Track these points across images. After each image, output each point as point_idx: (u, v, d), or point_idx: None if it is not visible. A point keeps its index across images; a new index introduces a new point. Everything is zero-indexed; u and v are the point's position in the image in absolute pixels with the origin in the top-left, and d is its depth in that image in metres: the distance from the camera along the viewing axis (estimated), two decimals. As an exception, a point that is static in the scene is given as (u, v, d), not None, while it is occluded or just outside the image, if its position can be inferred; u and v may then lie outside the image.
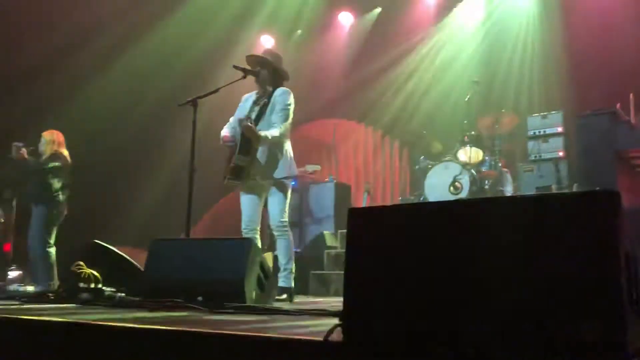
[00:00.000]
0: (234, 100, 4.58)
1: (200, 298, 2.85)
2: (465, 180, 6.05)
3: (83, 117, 8.85)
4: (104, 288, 3.18)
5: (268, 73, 4.16)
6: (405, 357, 1.28)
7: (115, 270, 3.51)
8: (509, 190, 6.20)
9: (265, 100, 4.10)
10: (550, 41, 7.20)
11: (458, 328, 1.24)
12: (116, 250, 3.88)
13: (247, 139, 3.91)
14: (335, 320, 1.44)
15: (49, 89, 8.20)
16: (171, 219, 7.04)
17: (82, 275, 3.21)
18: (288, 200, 4.09)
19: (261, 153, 3.99)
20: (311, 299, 4.82)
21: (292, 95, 4.12)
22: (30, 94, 7.96)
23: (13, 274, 6.07)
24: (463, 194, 6.00)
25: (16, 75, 7.76)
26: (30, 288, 5.25)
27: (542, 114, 6.32)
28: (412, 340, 1.29)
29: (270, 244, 6.66)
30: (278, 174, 4.00)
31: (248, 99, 4.29)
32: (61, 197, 5.55)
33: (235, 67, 4.18)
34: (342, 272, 1.46)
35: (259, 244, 4.08)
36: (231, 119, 4.26)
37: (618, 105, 5.94)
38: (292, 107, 4.10)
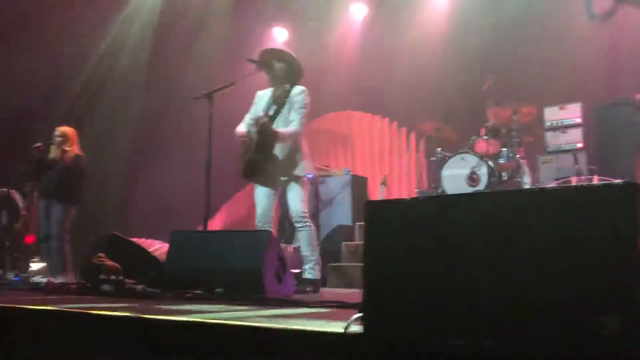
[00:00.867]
0: (251, 94, 4.60)
1: (219, 290, 2.88)
2: (482, 172, 6.01)
3: (100, 111, 8.97)
4: (124, 280, 3.23)
5: (282, 67, 4.16)
6: (425, 349, 1.29)
7: (134, 262, 3.56)
8: (527, 182, 6.15)
9: (283, 98, 4.11)
10: (567, 30, 7.10)
11: (479, 321, 1.25)
12: (135, 242, 3.93)
13: (263, 136, 3.94)
14: (355, 312, 1.45)
15: (63, 82, 8.30)
16: (188, 211, 7.11)
17: (103, 267, 3.25)
18: (307, 191, 4.11)
19: (278, 150, 4.01)
20: (329, 291, 4.84)
21: (309, 96, 4.14)
22: (42, 87, 8.06)
23: (36, 265, 6.18)
24: (480, 186, 5.96)
25: (30, 69, 7.85)
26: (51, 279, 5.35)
27: (560, 105, 6.25)
28: (431, 333, 1.30)
29: (288, 236, 6.70)
30: (297, 171, 4.03)
31: (263, 96, 4.29)
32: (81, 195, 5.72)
33: (249, 60, 4.20)
34: (361, 264, 1.47)
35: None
36: (246, 116, 4.27)
37: (638, 96, 5.86)
38: (309, 108, 4.14)
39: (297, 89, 4.13)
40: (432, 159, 6.76)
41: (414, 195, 7.56)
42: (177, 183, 8.73)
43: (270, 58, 4.19)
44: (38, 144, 5.67)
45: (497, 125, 6.40)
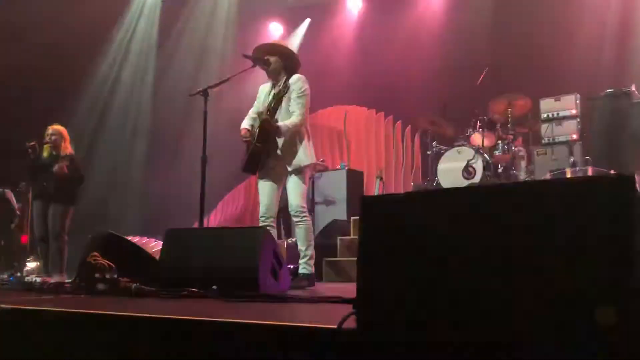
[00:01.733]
0: (247, 90, 4.59)
1: (215, 287, 2.87)
2: (478, 165, 6.01)
3: (95, 108, 8.93)
4: (119, 278, 3.21)
5: (277, 61, 4.15)
6: (419, 345, 1.28)
7: (130, 260, 3.54)
8: (522, 175, 6.16)
9: (282, 89, 4.10)
10: (562, 21, 7.09)
11: (474, 317, 1.24)
12: (130, 240, 3.91)
13: (265, 131, 3.96)
14: (349, 308, 1.44)
15: (58, 80, 8.26)
16: (184, 209, 7.09)
17: (98, 266, 3.24)
18: (306, 187, 4.11)
19: (281, 142, 4.02)
20: (324, 285, 4.84)
21: (307, 82, 4.13)
22: (38, 85, 8.02)
23: (30, 265, 6.17)
24: (476, 179, 5.96)
25: (28, 66, 7.81)
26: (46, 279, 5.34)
27: (555, 96, 6.25)
28: (426, 329, 1.29)
29: (283, 231, 6.70)
30: (297, 162, 4.02)
31: (264, 89, 4.30)
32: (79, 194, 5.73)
33: (244, 55, 4.20)
34: (355, 259, 1.46)
35: (275, 232, 4.11)
36: (250, 111, 4.28)
37: (633, 87, 5.86)
38: (308, 94, 4.11)
39: (294, 77, 4.12)
40: (428, 152, 6.76)
41: (409, 189, 7.57)
42: (173, 181, 8.72)
43: (264, 53, 4.18)
44: (32, 143, 5.64)
45: (493, 117, 6.40)
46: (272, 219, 4.10)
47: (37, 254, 5.97)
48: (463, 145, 6.25)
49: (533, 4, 7.48)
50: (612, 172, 4.75)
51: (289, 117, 4.04)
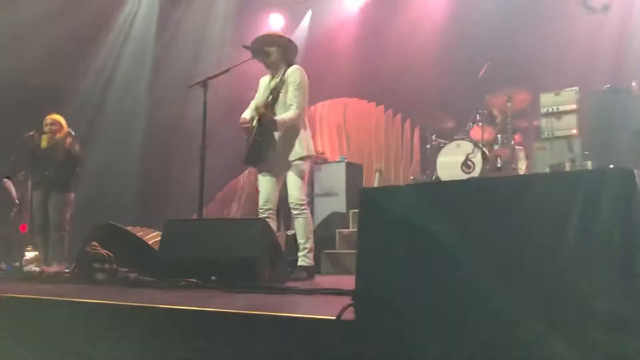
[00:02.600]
0: (246, 82, 4.58)
1: (213, 278, 2.88)
2: (477, 159, 6.02)
3: (93, 99, 8.92)
4: (118, 268, 3.22)
5: (276, 52, 4.15)
6: (416, 336, 1.29)
7: (129, 251, 3.55)
8: (521, 169, 6.16)
9: (279, 81, 4.10)
10: (563, 16, 7.07)
11: (473, 307, 1.24)
12: (130, 230, 3.92)
13: (263, 124, 3.96)
14: (348, 299, 1.45)
15: (57, 72, 8.24)
16: (184, 200, 7.10)
17: (97, 256, 3.24)
18: (306, 179, 4.11)
19: (278, 135, 4.02)
20: (323, 278, 4.86)
21: (303, 72, 4.11)
22: (37, 78, 8.00)
23: (29, 254, 6.17)
24: (475, 173, 5.97)
25: (26, 57, 7.78)
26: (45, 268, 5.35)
27: (555, 91, 6.23)
28: (424, 320, 1.29)
29: (282, 223, 6.70)
30: (294, 154, 4.02)
31: (264, 81, 4.30)
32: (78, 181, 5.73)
33: (244, 46, 4.19)
34: (354, 251, 1.46)
35: (275, 224, 4.12)
36: (251, 103, 4.28)
37: (634, 83, 5.85)
38: (305, 84, 4.09)
39: (291, 68, 4.12)
40: (428, 146, 6.75)
41: (408, 183, 7.56)
42: (173, 172, 8.72)
43: (263, 45, 4.17)
44: (31, 132, 5.63)
45: (493, 111, 6.40)
46: (271, 211, 4.11)
47: (35, 244, 5.98)
48: (462, 139, 6.25)
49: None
50: (611, 166, 4.75)
51: (286, 109, 4.03)
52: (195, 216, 4.64)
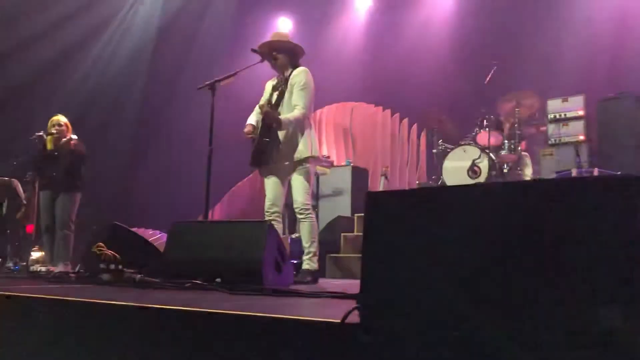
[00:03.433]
0: (253, 84, 4.59)
1: (218, 279, 2.88)
2: (484, 165, 6.01)
3: (103, 101, 8.96)
4: (124, 269, 3.23)
5: (285, 57, 4.16)
6: (422, 340, 1.29)
7: (134, 252, 3.56)
8: (528, 175, 6.14)
9: (284, 82, 4.11)
10: (571, 22, 7.06)
11: (477, 312, 1.24)
12: (135, 232, 3.93)
13: (268, 125, 3.96)
14: (352, 303, 1.45)
15: (66, 73, 8.29)
16: (190, 202, 7.11)
17: (103, 257, 3.26)
18: (311, 183, 4.11)
19: (282, 136, 4.02)
20: (327, 281, 4.86)
21: (309, 74, 4.12)
22: (39, 77, 8.05)
23: (35, 254, 6.20)
24: (481, 178, 5.96)
25: (35, 59, 7.83)
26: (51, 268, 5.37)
27: (562, 97, 6.22)
28: (429, 324, 1.29)
29: (287, 227, 6.70)
30: (298, 154, 4.02)
31: (269, 85, 4.31)
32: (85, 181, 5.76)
33: (253, 50, 4.20)
34: (359, 255, 1.46)
35: (280, 226, 4.12)
36: (256, 107, 4.30)
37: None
38: (310, 85, 4.10)
39: (297, 70, 4.13)
40: (434, 151, 6.75)
41: (414, 187, 7.55)
42: (179, 173, 8.74)
43: (271, 50, 4.18)
44: (39, 134, 5.68)
45: (500, 117, 6.39)
46: (277, 214, 4.10)
47: (42, 244, 6.00)
48: (469, 144, 6.24)
49: (542, 3, 7.45)
50: (619, 173, 4.73)
51: (291, 109, 4.03)
52: (201, 218, 4.65)
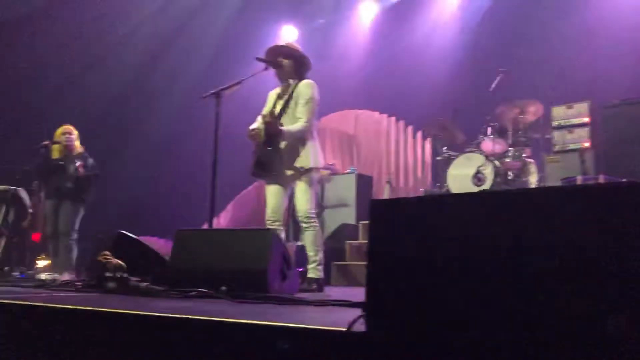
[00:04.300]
0: (257, 92, 4.60)
1: (224, 288, 2.88)
2: (488, 172, 6.00)
3: (108, 109, 9.00)
4: (129, 277, 3.23)
5: (290, 64, 4.16)
6: (428, 349, 1.28)
7: (140, 260, 3.57)
8: (533, 182, 6.12)
9: (289, 93, 4.11)
10: (576, 28, 7.06)
11: (483, 320, 1.24)
12: (141, 240, 3.94)
13: (269, 134, 3.96)
14: (358, 311, 1.45)
15: (68, 80, 8.33)
16: (194, 210, 7.12)
17: (108, 265, 3.26)
18: (314, 191, 4.10)
19: (285, 146, 4.01)
20: (333, 289, 4.85)
21: (316, 88, 4.11)
22: (46, 85, 8.09)
23: (41, 262, 6.22)
24: (486, 186, 5.94)
25: (32, 67, 7.87)
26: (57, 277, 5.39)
27: (567, 104, 6.21)
28: (435, 332, 1.29)
29: (297, 235, 6.70)
30: (300, 164, 4.01)
31: (273, 95, 4.31)
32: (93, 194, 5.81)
33: (257, 59, 4.20)
34: (364, 263, 1.46)
35: (283, 234, 4.11)
36: (259, 117, 4.29)
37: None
38: (316, 100, 4.10)
39: (303, 82, 4.12)
40: (438, 158, 6.74)
41: (419, 195, 7.54)
42: (184, 181, 8.75)
43: (277, 55, 4.18)
44: (45, 143, 5.71)
45: (504, 124, 6.38)
46: (278, 222, 4.09)
47: (48, 252, 6.03)
48: (473, 151, 6.24)
49: (546, 10, 7.46)
50: (624, 180, 4.71)
51: (294, 121, 4.03)
52: (206, 226, 4.65)
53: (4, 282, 4.54)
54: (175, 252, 3.35)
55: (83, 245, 5.69)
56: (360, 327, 1.39)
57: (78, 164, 5.56)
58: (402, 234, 1.43)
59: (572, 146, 6.02)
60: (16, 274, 6.04)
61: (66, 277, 4.94)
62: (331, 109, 8.91)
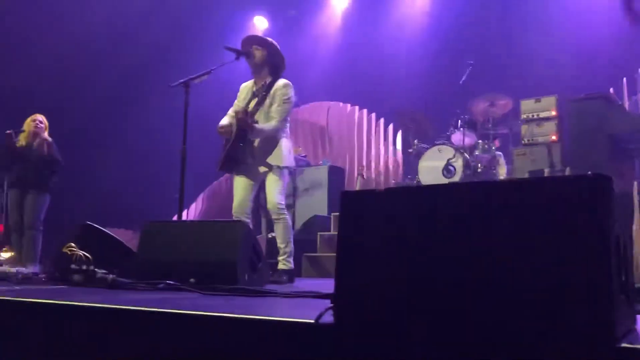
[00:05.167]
0: (225, 82, 4.55)
1: (192, 280, 2.85)
2: (458, 164, 6.07)
3: (71, 100, 8.80)
4: (96, 270, 3.17)
5: (262, 55, 4.12)
6: (395, 340, 1.29)
7: (107, 252, 3.50)
8: (502, 174, 6.22)
9: (265, 90, 4.07)
10: (544, 24, 7.17)
11: (452, 312, 1.25)
12: (108, 232, 3.87)
13: (242, 130, 3.94)
14: (327, 303, 1.44)
15: (34, 71, 8.12)
16: (164, 201, 7.04)
17: (74, 257, 3.19)
18: (285, 184, 4.09)
19: (257, 142, 4.00)
20: (303, 281, 4.85)
21: (292, 89, 4.10)
22: (13, 77, 7.88)
23: (5, 255, 6.07)
24: (456, 178, 6.01)
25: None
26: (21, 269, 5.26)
27: (535, 98, 6.31)
28: (403, 324, 1.29)
29: (262, 227, 6.68)
30: (272, 161, 4.01)
31: (245, 88, 4.27)
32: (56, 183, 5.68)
33: (227, 48, 4.16)
34: (335, 254, 1.46)
35: (251, 227, 4.10)
36: (230, 110, 4.25)
37: (611, 90, 5.95)
38: (292, 101, 4.11)
39: (280, 82, 4.09)
40: (410, 150, 6.79)
41: (390, 187, 7.60)
42: (153, 173, 8.64)
43: (252, 44, 4.14)
44: (8, 131, 5.56)
45: (474, 117, 6.46)
46: (245, 215, 4.07)
47: (11, 244, 5.88)
48: (444, 144, 6.30)
49: (516, 6, 7.56)
50: (589, 173, 4.81)
51: (268, 120, 4.02)
52: (175, 218, 4.60)
53: (-35, 276, 4.40)
54: (143, 244, 3.30)
55: (48, 237, 5.56)
56: (329, 318, 1.39)
57: (40, 141, 5.44)
58: (372, 225, 1.43)
59: (540, 139, 6.12)
60: (-22, 267, 5.87)
61: (30, 269, 4.82)
62: (303, 101, 8.88)
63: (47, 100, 7.81)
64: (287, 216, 4.08)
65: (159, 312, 1.76)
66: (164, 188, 6.75)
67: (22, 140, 5.58)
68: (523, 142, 6.25)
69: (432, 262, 1.31)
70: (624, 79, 6.21)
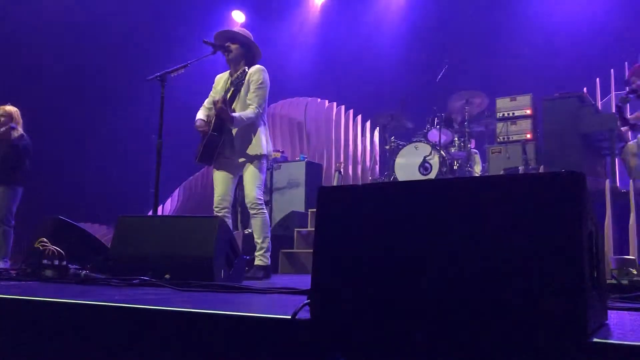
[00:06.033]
0: (203, 75, 4.51)
1: (167, 276, 2.82)
2: (434, 161, 6.11)
3: (44, 92, 8.63)
4: (68, 265, 3.12)
5: (238, 49, 4.11)
6: (372, 336, 1.29)
7: (79, 247, 3.45)
8: (477, 171, 6.29)
9: (240, 79, 4.06)
10: (520, 23, 7.26)
11: (430, 307, 1.25)
12: (80, 226, 3.81)
13: (221, 120, 3.92)
14: (304, 299, 1.44)
15: (4, 62, 7.95)
16: (139, 196, 6.95)
17: (46, 252, 3.14)
18: (263, 178, 4.08)
19: (235, 132, 3.98)
20: (280, 277, 4.84)
21: (266, 73, 4.09)
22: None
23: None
24: (432, 175, 6.06)
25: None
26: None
27: (511, 96, 6.39)
28: (379, 320, 1.30)
29: (245, 222, 6.64)
30: (251, 151, 4.00)
31: (221, 79, 4.25)
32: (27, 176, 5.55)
33: (205, 42, 4.13)
34: (312, 250, 1.45)
35: (230, 222, 4.08)
36: (205, 102, 4.22)
37: (585, 90, 6.05)
38: (267, 85, 4.08)
39: (254, 68, 4.09)
40: (386, 147, 6.82)
41: (367, 183, 7.62)
42: (128, 167, 8.53)
43: (226, 40, 4.13)
44: None
45: (451, 114, 6.52)
46: (226, 210, 4.06)
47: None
48: (420, 141, 6.34)
49: (493, 5, 7.64)
50: (562, 170, 4.89)
51: (245, 107, 4.00)
52: (150, 213, 4.54)
53: None
54: (117, 239, 3.25)
55: (20, 231, 5.45)
56: (305, 314, 1.39)
57: (6, 127, 5.32)
58: (349, 221, 1.43)
59: (514, 137, 6.20)
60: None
61: (1, 265, 4.72)
62: (281, 96, 8.86)
63: (21, 94, 7.65)
64: (265, 211, 4.07)
65: (132, 308, 1.73)
66: (140, 183, 6.67)
67: None
68: (498, 139, 6.32)
69: (409, 258, 1.31)
70: (597, 79, 6.33)
